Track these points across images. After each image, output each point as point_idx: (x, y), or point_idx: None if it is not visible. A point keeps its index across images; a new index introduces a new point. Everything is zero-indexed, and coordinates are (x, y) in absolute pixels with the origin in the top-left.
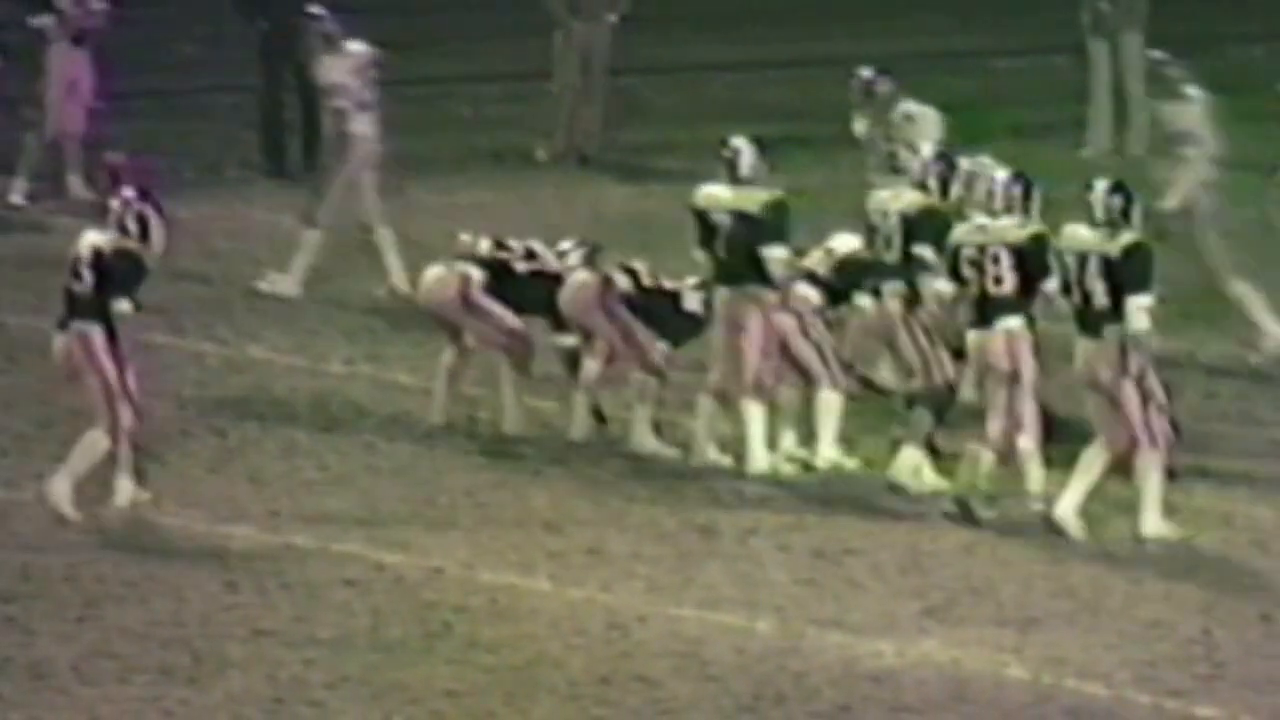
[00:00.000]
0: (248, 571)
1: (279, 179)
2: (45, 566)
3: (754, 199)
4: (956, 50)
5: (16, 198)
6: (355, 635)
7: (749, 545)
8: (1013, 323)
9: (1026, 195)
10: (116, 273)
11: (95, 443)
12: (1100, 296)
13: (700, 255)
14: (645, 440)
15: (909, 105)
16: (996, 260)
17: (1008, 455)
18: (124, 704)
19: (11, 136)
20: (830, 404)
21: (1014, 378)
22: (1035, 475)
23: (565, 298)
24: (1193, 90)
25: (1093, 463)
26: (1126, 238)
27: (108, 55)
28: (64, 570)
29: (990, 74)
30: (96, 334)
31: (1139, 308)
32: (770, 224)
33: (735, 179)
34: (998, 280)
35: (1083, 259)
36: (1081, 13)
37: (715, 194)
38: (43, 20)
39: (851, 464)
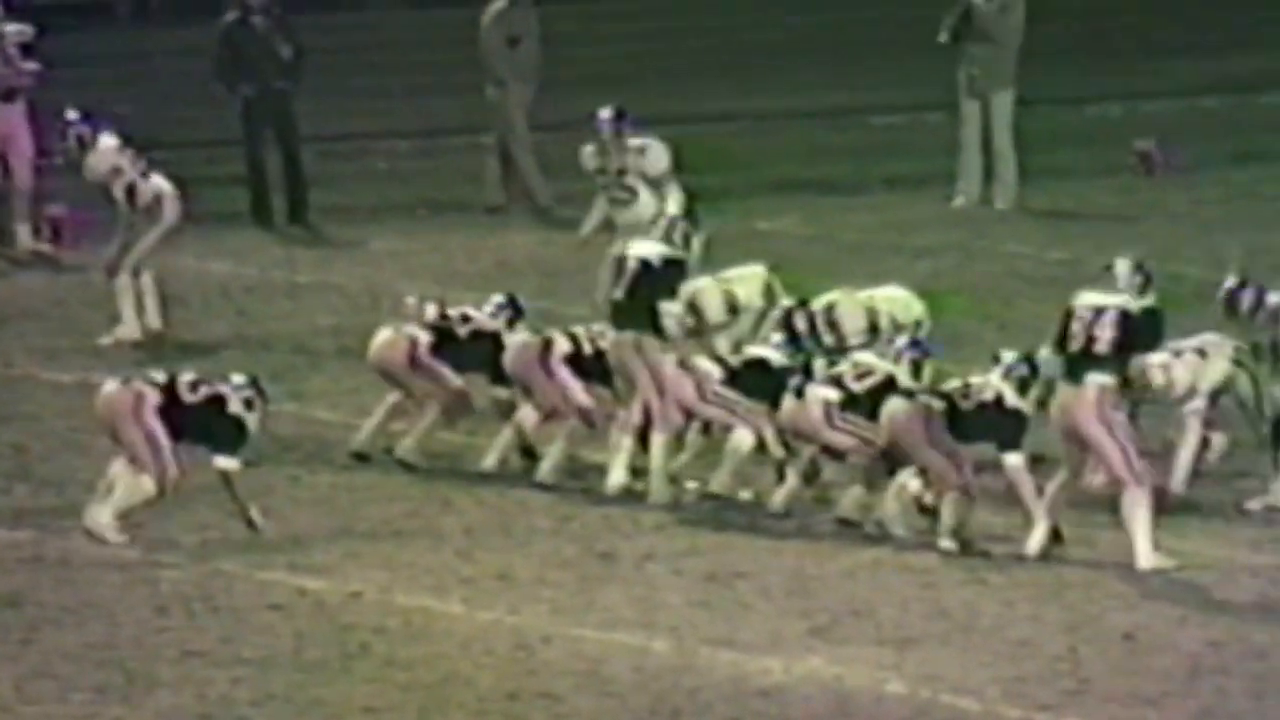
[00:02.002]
0: (178, 597)
1: (266, 231)
2: None
3: (657, 251)
4: (836, 107)
5: None
6: (279, 656)
7: (646, 570)
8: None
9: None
10: (222, 427)
11: (141, 485)
12: (1103, 344)
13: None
14: (549, 473)
15: (640, 139)
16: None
17: None
18: None
19: None
20: (743, 442)
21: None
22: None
23: (508, 357)
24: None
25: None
26: (1147, 301)
27: (42, 114)
28: (6, 597)
29: (867, 129)
30: (152, 395)
31: (1159, 363)
32: (664, 279)
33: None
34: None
35: (1099, 311)
36: (957, 74)
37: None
38: None
39: (746, 494)
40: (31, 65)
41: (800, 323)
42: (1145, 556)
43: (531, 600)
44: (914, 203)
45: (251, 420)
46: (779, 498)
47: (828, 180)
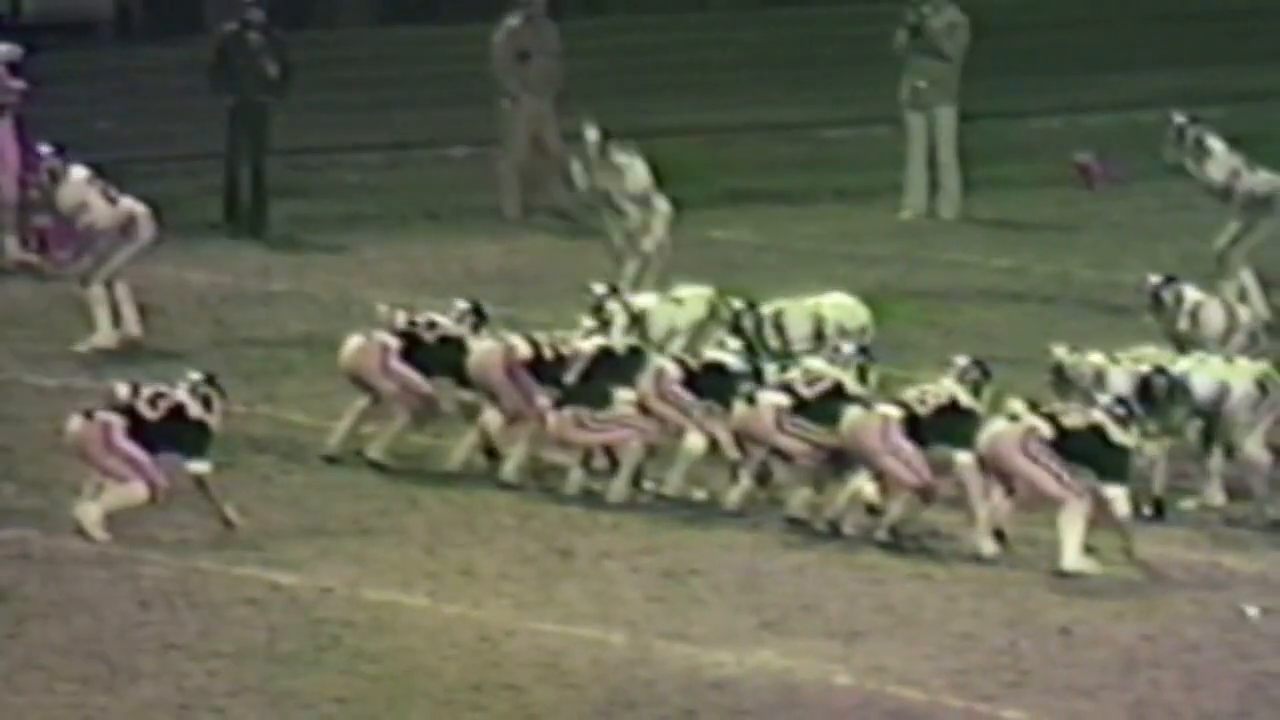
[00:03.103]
0: (158, 592)
1: (241, 241)
2: None
3: (620, 341)
4: (788, 121)
5: None
6: (254, 648)
7: (604, 566)
8: None
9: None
10: (188, 434)
11: (134, 491)
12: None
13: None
14: (512, 473)
15: (622, 157)
16: None
17: None
18: (50, 710)
19: None
20: (694, 446)
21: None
22: None
23: (472, 362)
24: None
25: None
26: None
27: (30, 130)
28: None
29: (818, 142)
30: (118, 423)
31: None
32: (625, 367)
33: None
34: None
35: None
36: (900, 89)
37: None
38: None
39: (700, 494)
40: (18, 83)
41: (748, 323)
42: (1071, 560)
43: (494, 595)
44: (862, 213)
45: (212, 418)
46: (733, 498)
47: (779, 191)
